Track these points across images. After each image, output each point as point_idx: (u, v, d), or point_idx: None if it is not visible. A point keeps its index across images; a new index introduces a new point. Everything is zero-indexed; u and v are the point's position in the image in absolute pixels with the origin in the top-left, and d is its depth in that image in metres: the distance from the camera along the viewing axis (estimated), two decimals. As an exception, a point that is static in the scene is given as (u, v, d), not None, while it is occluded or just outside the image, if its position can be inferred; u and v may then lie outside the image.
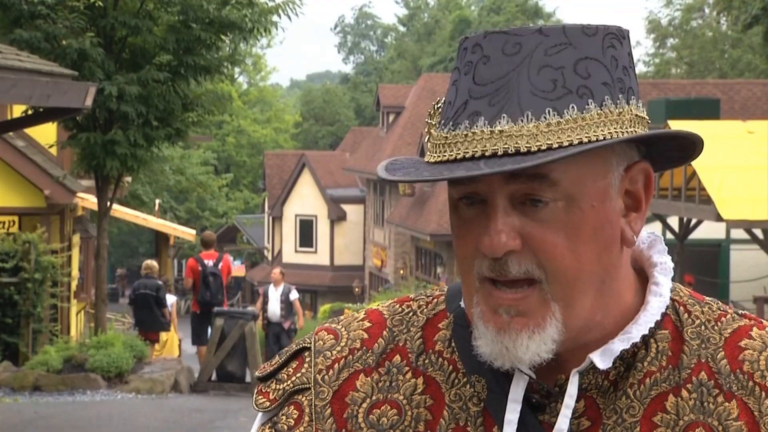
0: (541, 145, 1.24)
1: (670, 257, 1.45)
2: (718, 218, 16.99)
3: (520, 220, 1.27)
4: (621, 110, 1.28)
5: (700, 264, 22.59)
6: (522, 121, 1.24)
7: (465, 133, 1.27)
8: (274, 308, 17.53)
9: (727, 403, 1.31)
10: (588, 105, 1.26)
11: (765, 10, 29.31)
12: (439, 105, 1.36)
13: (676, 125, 18.96)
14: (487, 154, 1.25)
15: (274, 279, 18.18)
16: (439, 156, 1.29)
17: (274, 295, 17.73)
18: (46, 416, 11.55)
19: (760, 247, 18.31)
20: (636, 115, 1.30)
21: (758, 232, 18.03)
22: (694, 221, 19.82)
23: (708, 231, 21.20)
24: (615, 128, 1.27)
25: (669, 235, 21.47)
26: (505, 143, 1.24)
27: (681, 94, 30.51)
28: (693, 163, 13.83)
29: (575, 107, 1.25)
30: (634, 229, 1.34)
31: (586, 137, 1.25)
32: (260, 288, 21.35)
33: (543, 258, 1.27)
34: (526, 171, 1.24)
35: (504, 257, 1.27)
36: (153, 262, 17.83)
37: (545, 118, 1.24)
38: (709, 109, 23.22)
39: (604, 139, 1.26)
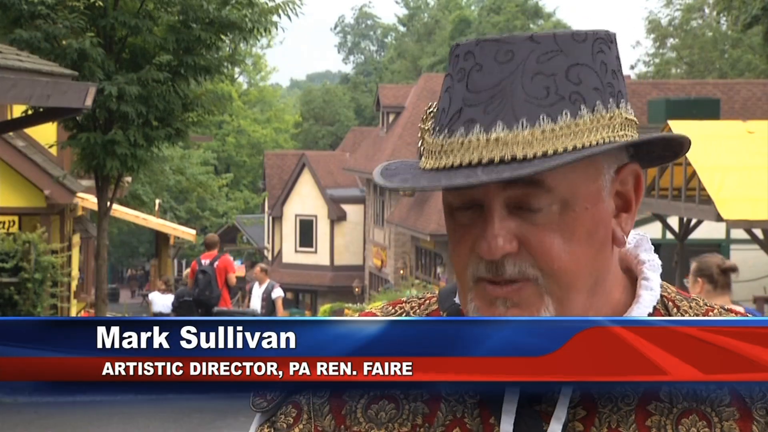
0: (536, 152, 1.27)
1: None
2: (718, 218, 16.98)
3: (517, 224, 1.30)
4: (612, 114, 1.32)
5: (700, 264, 22.53)
6: (517, 128, 1.27)
7: (461, 140, 1.30)
8: (256, 306, 17.57)
9: (719, 390, 1.34)
10: (580, 111, 1.29)
11: (765, 10, 29.32)
12: (431, 110, 1.38)
13: (676, 125, 18.94)
14: (483, 161, 1.28)
15: (256, 277, 18.25)
16: (435, 163, 1.32)
17: (257, 292, 17.78)
18: (46, 416, 11.54)
19: (760, 247, 18.31)
20: (626, 118, 1.34)
21: (758, 232, 18.02)
22: (694, 221, 19.80)
23: (708, 231, 21.19)
24: (607, 133, 1.31)
25: (669, 235, 21.46)
26: (502, 151, 1.27)
27: (681, 94, 30.50)
28: (693, 163, 13.71)
29: (568, 113, 1.28)
30: (624, 229, 1.38)
31: (579, 143, 1.29)
32: (247, 285, 21.33)
33: (540, 260, 1.30)
34: (520, 178, 1.27)
35: (500, 259, 1.30)
36: None
37: (539, 124, 1.28)
38: (709, 109, 23.21)
39: (597, 144, 1.30)
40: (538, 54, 1.29)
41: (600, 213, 1.33)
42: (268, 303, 17.64)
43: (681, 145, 1.39)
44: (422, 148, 1.37)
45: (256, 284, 17.99)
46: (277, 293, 17.98)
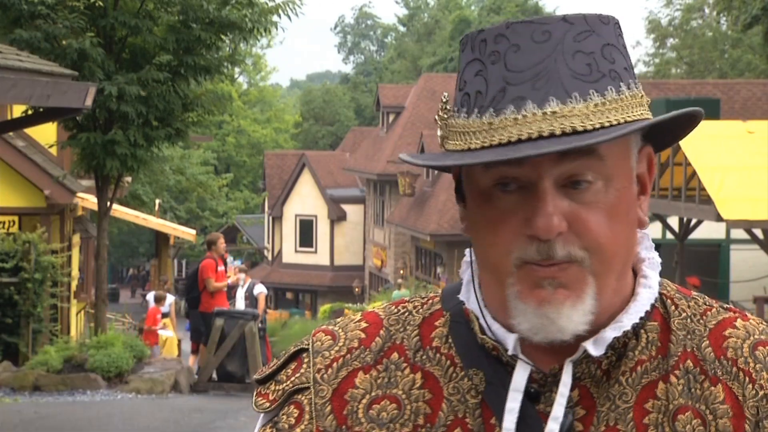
0: (594, 124, 1.28)
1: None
2: (718, 218, 16.97)
3: (566, 203, 1.30)
4: (641, 93, 1.35)
5: (700, 264, 22.58)
6: (571, 102, 1.28)
7: (514, 117, 1.29)
8: (240, 306, 17.64)
9: (713, 388, 1.35)
10: (620, 87, 1.32)
11: (765, 10, 29.34)
12: (447, 101, 1.37)
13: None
14: (544, 135, 1.27)
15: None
16: (484, 141, 1.31)
17: (240, 293, 17.86)
18: (46, 416, 11.55)
19: (760, 247, 18.30)
20: (646, 98, 1.37)
21: (758, 232, 18.00)
22: (694, 221, 19.79)
23: (708, 231, 21.19)
24: (642, 110, 1.34)
25: (669, 235, 21.45)
26: (561, 123, 1.27)
27: (681, 94, 30.50)
28: (693, 163, 13.72)
29: (613, 89, 1.31)
30: (644, 211, 1.39)
31: (625, 118, 1.31)
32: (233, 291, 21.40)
33: (587, 239, 1.30)
34: (594, 145, 1.28)
35: (552, 240, 1.29)
36: None
37: (591, 98, 1.29)
38: (709, 109, 23.19)
39: (638, 119, 1.32)
40: (573, 33, 1.31)
41: (631, 193, 1.35)
42: (251, 300, 17.70)
43: (690, 126, 1.41)
44: (448, 134, 1.36)
45: (239, 287, 18.11)
46: (259, 289, 18.06)
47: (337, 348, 1.44)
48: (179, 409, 12.73)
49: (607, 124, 1.28)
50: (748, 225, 17.46)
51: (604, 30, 1.33)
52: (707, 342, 1.38)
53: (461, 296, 1.42)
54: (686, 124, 1.40)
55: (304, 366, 1.44)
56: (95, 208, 18.32)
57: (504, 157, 1.26)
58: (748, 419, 1.34)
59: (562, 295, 1.30)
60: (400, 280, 31.41)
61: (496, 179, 1.31)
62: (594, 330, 1.34)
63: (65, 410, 12.07)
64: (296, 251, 47.16)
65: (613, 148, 1.31)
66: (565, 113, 1.27)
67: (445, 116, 1.37)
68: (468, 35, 1.35)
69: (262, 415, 1.46)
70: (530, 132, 1.27)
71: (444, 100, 1.38)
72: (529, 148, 1.26)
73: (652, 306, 1.39)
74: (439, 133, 1.38)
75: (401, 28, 79.60)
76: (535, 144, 1.27)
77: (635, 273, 1.42)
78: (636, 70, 1.37)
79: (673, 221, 20.72)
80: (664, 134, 1.42)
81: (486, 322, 1.38)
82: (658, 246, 1.43)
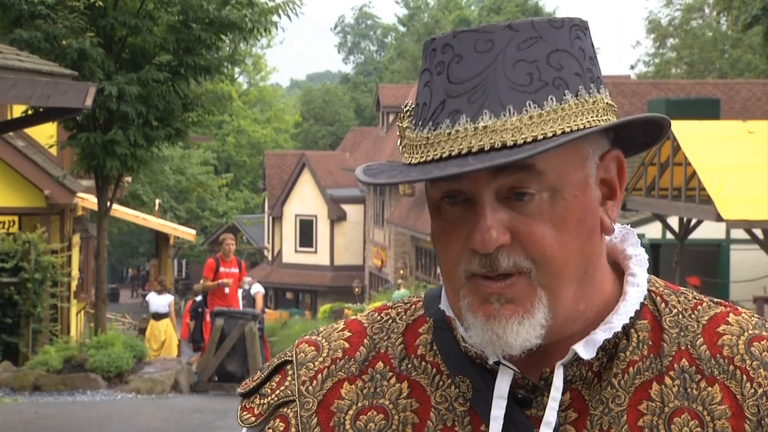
0: (526, 138, 1.26)
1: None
2: (718, 218, 16.95)
3: (508, 215, 1.28)
4: (594, 99, 1.31)
5: (700, 264, 22.56)
6: (504, 115, 1.26)
7: (448, 131, 1.27)
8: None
9: (710, 388, 1.33)
10: (565, 96, 1.28)
11: (765, 10, 29.34)
12: (408, 108, 1.36)
13: (676, 125, 18.94)
14: (473, 150, 1.26)
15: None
16: (422, 156, 1.30)
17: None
18: (46, 416, 11.55)
19: (760, 247, 18.28)
20: (607, 103, 1.33)
21: (758, 232, 17.99)
22: (694, 221, 19.78)
23: (708, 231, 21.16)
24: (591, 117, 1.30)
25: (669, 235, 21.44)
26: (491, 138, 1.26)
27: (681, 94, 30.48)
28: (693, 163, 13.70)
29: (554, 99, 1.27)
30: (611, 216, 1.36)
31: (567, 127, 1.27)
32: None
33: (532, 250, 1.28)
34: (514, 163, 1.25)
35: (494, 252, 1.28)
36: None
37: (526, 111, 1.26)
38: (709, 109, 23.20)
39: (584, 127, 1.29)
40: (517, 41, 1.28)
41: (588, 201, 1.32)
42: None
43: (661, 129, 1.38)
44: (403, 146, 1.35)
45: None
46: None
47: (321, 359, 1.43)
48: (179, 409, 12.73)
49: (540, 137, 1.26)
50: (748, 225, 17.44)
51: (554, 35, 1.29)
52: (702, 339, 1.36)
53: (441, 305, 1.40)
54: (654, 128, 1.38)
55: (289, 378, 1.43)
56: (95, 208, 18.32)
57: (429, 176, 1.25)
58: (748, 419, 1.32)
59: (509, 310, 1.28)
60: (400, 280, 31.41)
61: (444, 192, 1.30)
62: (584, 332, 1.33)
63: (65, 410, 12.07)
64: (296, 251, 47.16)
65: (555, 159, 1.28)
66: (497, 127, 1.25)
67: (404, 126, 1.35)
68: (425, 42, 1.33)
69: (245, 429, 1.44)
70: (460, 148, 1.26)
71: (406, 109, 1.37)
72: (455, 165, 1.25)
73: (642, 304, 1.37)
74: (398, 142, 1.37)
75: (401, 28, 79.55)
76: (464, 160, 1.25)
77: (622, 270, 1.40)
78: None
79: (673, 221, 20.70)
80: (634, 138, 1.39)
81: (462, 331, 1.36)
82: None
